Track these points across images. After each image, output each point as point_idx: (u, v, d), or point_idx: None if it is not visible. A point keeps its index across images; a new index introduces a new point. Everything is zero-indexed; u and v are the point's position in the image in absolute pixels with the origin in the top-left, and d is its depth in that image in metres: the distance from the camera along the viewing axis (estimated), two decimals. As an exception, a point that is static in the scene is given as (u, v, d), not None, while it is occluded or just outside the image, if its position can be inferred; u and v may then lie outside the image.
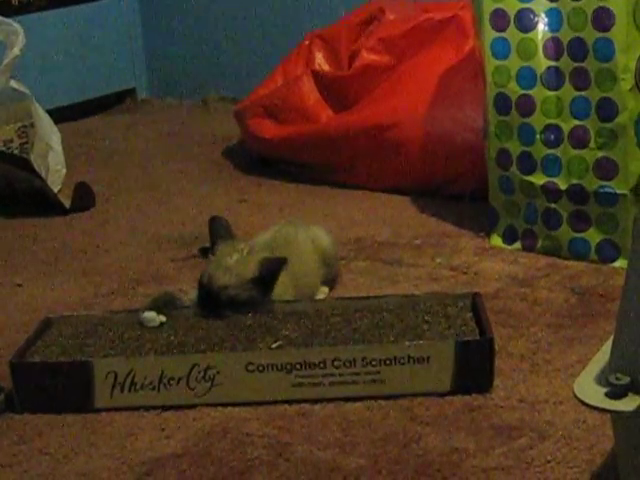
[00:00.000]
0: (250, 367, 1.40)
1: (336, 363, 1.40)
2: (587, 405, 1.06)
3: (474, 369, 1.40)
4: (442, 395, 1.40)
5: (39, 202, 2.43)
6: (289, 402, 1.40)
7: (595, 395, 1.07)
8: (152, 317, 1.54)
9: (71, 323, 1.58)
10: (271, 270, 1.56)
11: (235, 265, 1.56)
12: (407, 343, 1.40)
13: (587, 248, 1.88)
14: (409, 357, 1.39)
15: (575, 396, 1.37)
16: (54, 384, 1.42)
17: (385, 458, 1.26)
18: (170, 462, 1.28)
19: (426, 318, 1.50)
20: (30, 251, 2.17)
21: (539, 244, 1.94)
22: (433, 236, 2.07)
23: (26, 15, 3.26)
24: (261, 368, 1.40)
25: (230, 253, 1.59)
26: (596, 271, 1.84)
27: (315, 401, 1.40)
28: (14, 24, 2.48)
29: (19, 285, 1.96)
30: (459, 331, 1.45)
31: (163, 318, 1.54)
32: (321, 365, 1.40)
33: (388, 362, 1.39)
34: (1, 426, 1.40)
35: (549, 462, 1.23)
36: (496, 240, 2.01)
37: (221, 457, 1.28)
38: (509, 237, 1.99)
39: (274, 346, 1.43)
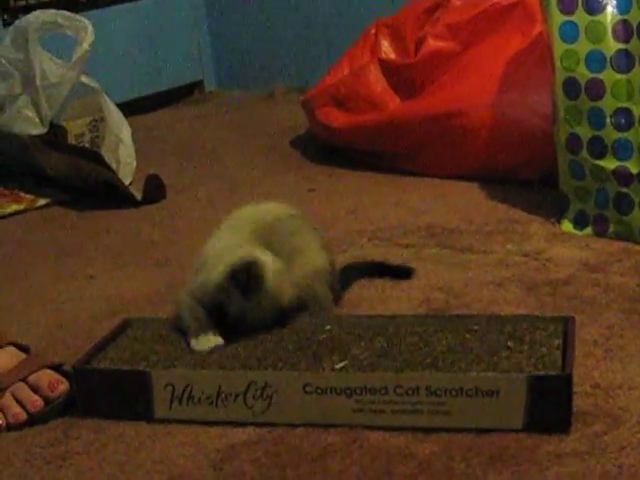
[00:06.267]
0: (308, 388, 1.32)
1: (398, 390, 1.30)
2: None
3: (549, 405, 1.26)
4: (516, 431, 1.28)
5: (110, 195, 2.46)
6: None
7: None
8: (205, 342, 1.44)
9: (147, 326, 1.54)
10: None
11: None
12: (474, 374, 1.29)
13: (660, 232, 1.86)
14: (477, 389, 1.27)
15: (650, 381, 1.37)
16: (115, 392, 1.39)
17: (458, 445, 1.26)
18: (245, 449, 1.29)
19: (509, 344, 1.37)
20: (102, 243, 2.19)
21: (611, 229, 1.92)
22: (503, 222, 2.06)
23: (94, 10, 3.31)
24: (319, 390, 1.32)
25: None
26: (669, 255, 1.82)
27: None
28: (83, 20, 2.52)
29: (91, 277, 1.98)
30: (539, 362, 1.31)
31: (220, 340, 1.45)
32: (382, 391, 1.30)
33: (454, 393, 1.28)
34: (79, 414, 1.42)
35: (624, 448, 1.22)
36: (567, 226, 1.99)
37: (295, 444, 1.29)
38: (580, 222, 1.97)
39: (338, 367, 1.34)
